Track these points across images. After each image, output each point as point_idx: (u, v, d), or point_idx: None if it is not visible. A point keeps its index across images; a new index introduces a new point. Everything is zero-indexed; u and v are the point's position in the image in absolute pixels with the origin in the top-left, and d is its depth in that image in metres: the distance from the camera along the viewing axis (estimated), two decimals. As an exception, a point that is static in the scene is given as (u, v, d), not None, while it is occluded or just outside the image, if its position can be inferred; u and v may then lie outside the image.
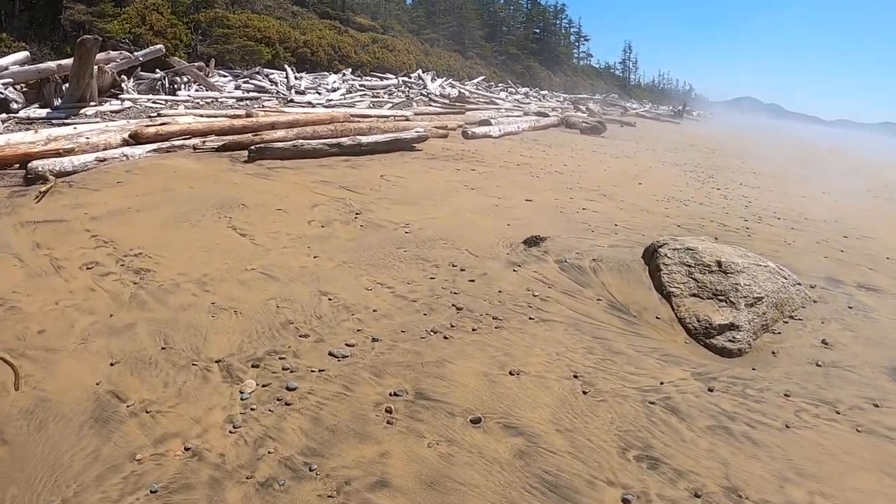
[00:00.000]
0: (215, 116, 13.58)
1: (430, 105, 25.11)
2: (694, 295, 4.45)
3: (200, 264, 4.51)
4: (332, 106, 20.01)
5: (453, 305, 3.83)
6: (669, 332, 4.09)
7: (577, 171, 10.47)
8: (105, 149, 8.81)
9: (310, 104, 19.77)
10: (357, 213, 6.19)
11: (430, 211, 6.44)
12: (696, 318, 4.22)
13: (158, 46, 17.15)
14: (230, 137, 9.91)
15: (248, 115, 13.40)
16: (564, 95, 53.87)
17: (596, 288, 4.46)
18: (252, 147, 9.13)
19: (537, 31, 74.82)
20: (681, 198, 9.11)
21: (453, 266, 4.56)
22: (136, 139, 9.21)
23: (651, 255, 5.00)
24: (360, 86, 27.82)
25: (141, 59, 16.25)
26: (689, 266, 4.67)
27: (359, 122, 14.35)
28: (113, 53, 15.37)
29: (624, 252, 5.33)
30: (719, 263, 4.61)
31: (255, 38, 27.28)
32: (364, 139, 10.53)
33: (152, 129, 9.63)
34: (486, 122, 18.02)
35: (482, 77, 44.11)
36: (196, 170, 8.10)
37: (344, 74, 30.00)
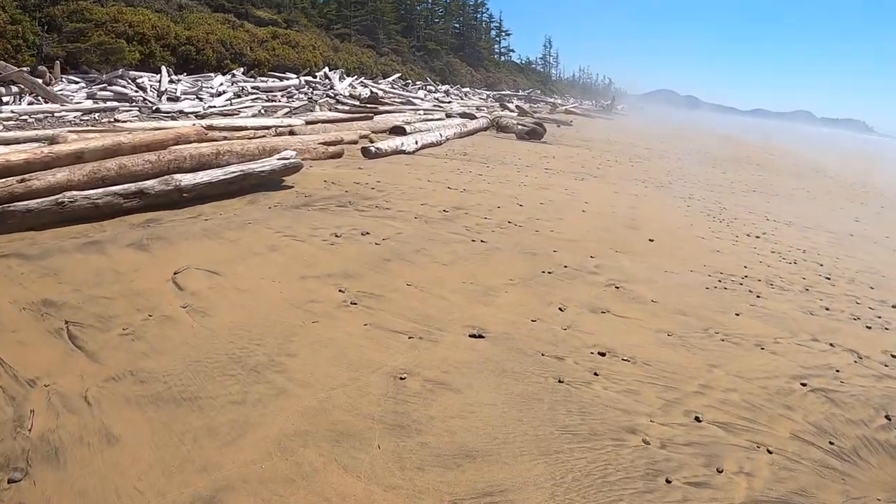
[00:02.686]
0: (33, 140, 9.07)
1: (336, 108, 20.77)
2: None
3: None
4: (208, 115, 15.52)
5: None
6: None
7: (542, 216, 6.44)
8: None
9: (182, 113, 15.25)
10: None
11: (236, 473, 2.21)
12: None
13: (-40, 48, 12.16)
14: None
15: (53, 141, 8.73)
16: (487, 92, 50.48)
17: None
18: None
19: (457, 25, 71.32)
20: (731, 270, 5.27)
21: None
22: None
23: None
24: (253, 88, 23.05)
25: (-60, 65, 11.36)
26: None
27: (214, 141, 9.96)
28: None
29: None
30: None
31: (126, 34, 22.03)
32: (188, 180, 6.19)
33: None
34: (399, 131, 13.86)
35: (398, 75, 39.94)
36: None
37: (233, 75, 25.09)
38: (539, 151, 13.34)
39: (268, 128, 12.33)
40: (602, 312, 3.84)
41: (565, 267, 4.67)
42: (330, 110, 19.26)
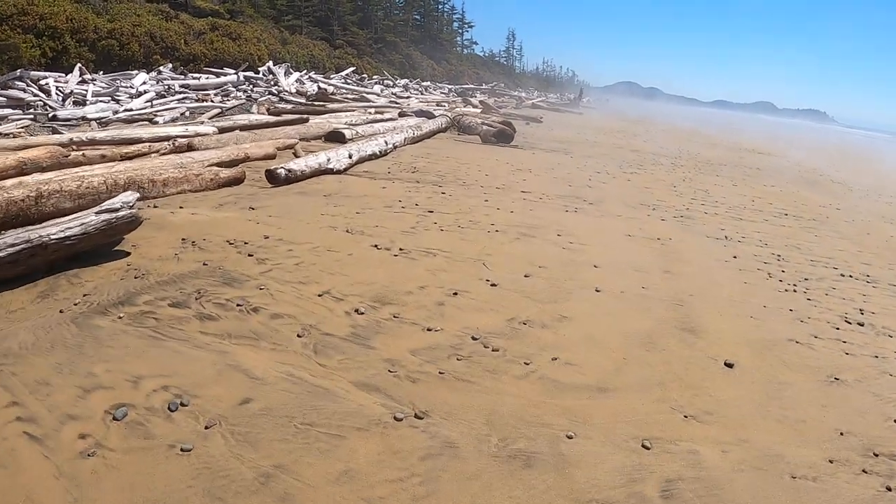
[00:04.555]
0: None
1: (277, 106, 17.90)
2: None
3: None
4: (113, 122, 12.66)
5: None
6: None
7: (532, 309, 3.75)
8: None
9: (84, 120, 12.32)
10: None
11: None
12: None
13: None
14: None
15: None
16: (449, 86, 47.73)
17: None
18: None
19: (418, 16, 68.43)
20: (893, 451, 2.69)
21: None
22: None
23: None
24: (182, 87, 19.81)
25: None
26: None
27: (78, 166, 7.26)
28: None
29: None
30: None
31: (36, 28, 18.84)
32: None
33: None
34: (336, 137, 11.13)
35: (352, 68, 36.94)
36: None
37: (160, 72, 21.80)
38: (511, 161, 10.70)
39: (169, 138, 9.44)
40: None
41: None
42: (268, 110, 16.33)
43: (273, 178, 6.97)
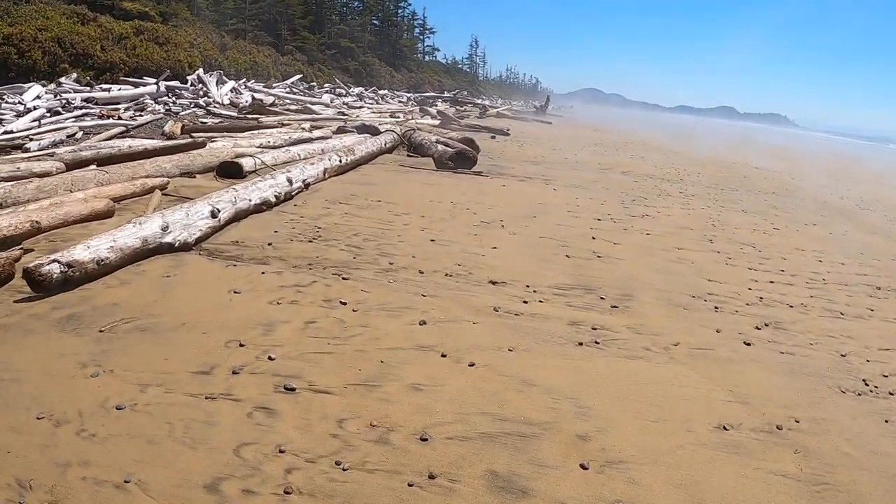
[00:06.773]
0: None
1: (200, 121, 14.66)
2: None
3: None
4: None
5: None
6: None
7: None
8: None
9: None
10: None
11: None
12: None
13: None
14: None
15: None
16: (409, 95, 44.61)
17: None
18: None
19: (376, 21, 65.09)
20: None
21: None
22: None
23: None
24: (87, 100, 16.13)
25: None
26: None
27: None
28: None
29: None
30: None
31: None
32: None
33: None
34: (231, 170, 7.94)
35: (299, 76, 33.52)
36: None
37: (59, 84, 18.15)
38: (472, 204, 7.62)
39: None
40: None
41: None
42: (183, 127, 12.91)
43: (37, 284, 3.70)
